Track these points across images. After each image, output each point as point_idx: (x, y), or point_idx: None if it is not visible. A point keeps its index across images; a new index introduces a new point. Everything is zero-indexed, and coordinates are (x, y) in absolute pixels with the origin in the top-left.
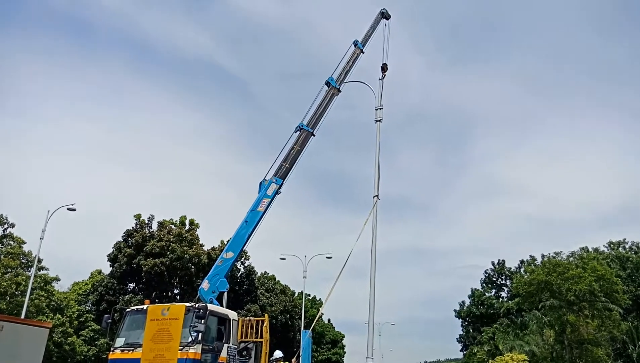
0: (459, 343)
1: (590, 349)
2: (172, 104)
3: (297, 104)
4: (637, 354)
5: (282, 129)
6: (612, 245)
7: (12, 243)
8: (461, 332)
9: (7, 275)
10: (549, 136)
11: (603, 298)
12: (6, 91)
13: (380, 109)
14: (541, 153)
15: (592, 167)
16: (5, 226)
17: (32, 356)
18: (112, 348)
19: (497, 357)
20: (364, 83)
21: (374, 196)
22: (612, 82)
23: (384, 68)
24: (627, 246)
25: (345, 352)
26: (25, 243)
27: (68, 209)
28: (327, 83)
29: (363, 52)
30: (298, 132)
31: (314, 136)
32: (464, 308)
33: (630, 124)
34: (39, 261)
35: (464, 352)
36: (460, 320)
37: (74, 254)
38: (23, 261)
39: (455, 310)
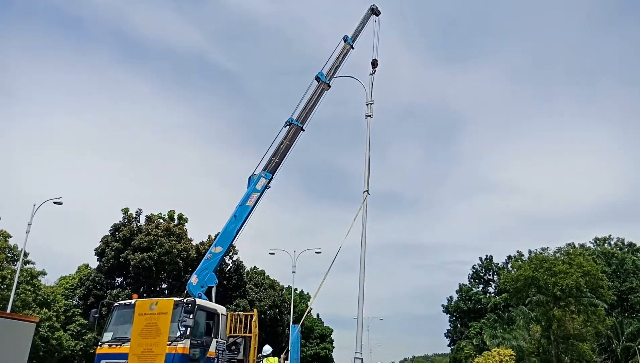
0: (447, 338)
1: (575, 344)
2: (161, 98)
3: (287, 98)
4: (622, 349)
5: (271, 124)
6: (597, 241)
7: None
8: (449, 327)
9: None
10: (537, 133)
11: (589, 294)
12: None
13: (370, 104)
14: (529, 150)
15: (580, 164)
16: None
17: (18, 351)
18: (99, 343)
19: (485, 352)
20: (354, 78)
21: (364, 191)
22: (601, 80)
23: (374, 64)
24: (612, 243)
25: (333, 347)
26: (10, 236)
27: (54, 203)
28: (317, 78)
29: (353, 48)
30: (287, 127)
31: (304, 130)
32: (452, 303)
33: (619, 122)
34: (25, 255)
35: (452, 347)
36: (448, 315)
37: (61, 248)
38: (8, 254)
39: (443, 305)
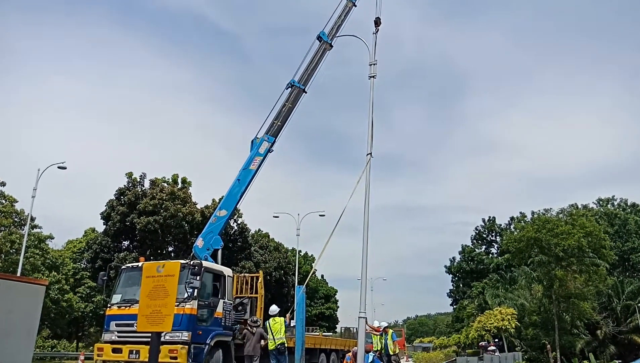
0: (449, 297)
1: (576, 303)
2: (159, 59)
3: (289, 59)
4: (621, 307)
5: (273, 86)
6: (601, 202)
7: (3, 201)
8: (451, 287)
9: (0, 234)
10: (542, 93)
11: (591, 254)
12: None
13: (374, 64)
14: (534, 110)
15: (584, 124)
16: None
17: (30, 313)
18: (109, 305)
19: (487, 311)
20: (356, 37)
21: (367, 154)
22: (606, 39)
23: (377, 22)
24: (615, 203)
25: (338, 307)
26: (17, 201)
27: (58, 167)
28: (319, 38)
29: (355, 5)
30: (289, 89)
31: (306, 92)
32: (454, 264)
33: (623, 82)
34: (32, 219)
35: (454, 307)
36: (451, 275)
37: (66, 212)
38: (16, 219)
39: (445, 266)
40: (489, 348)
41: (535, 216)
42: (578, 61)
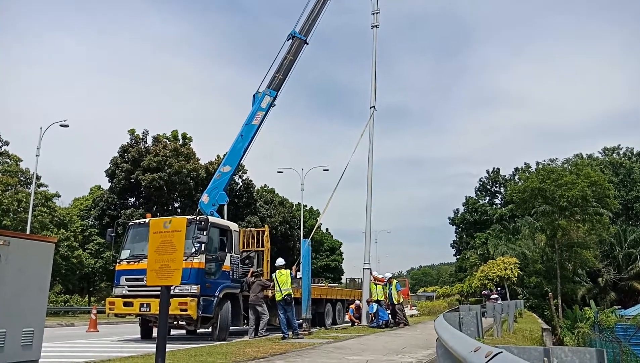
0: (453, 248)
1: (579, 252)
2: (157, 12)
3: (289, 9)
4: (623, 255)
5: (274, 37)
6: (606, 151)
7: (8, 161)
8: (455, 238)
9: (7, 193)
10: (549, 41)
11: (594, 203)
12: None
13: (376, 13)
14: (541, 58)
15: (592, 72)
16: (0, 144)
17: (41, 269)
18: (118, 260)
19: (490, 261)
20: None
21: (371, 108)
22: None
23: None
24: (621, 152)
25: (343, 259)
26: (21, 160)
27: (60, 125)
28: None
29: None
30: (290, 40)
31: (307, 44)
32: (458, 215)
33: (633, 29)
34: (38, 178)
35: (458, 257)
36: (454, 226)
37: (71, 170)
38: (21, 178)
39: (449, 218)
40: (491, 297)
41: (540, 166)
42: (588, 7)
